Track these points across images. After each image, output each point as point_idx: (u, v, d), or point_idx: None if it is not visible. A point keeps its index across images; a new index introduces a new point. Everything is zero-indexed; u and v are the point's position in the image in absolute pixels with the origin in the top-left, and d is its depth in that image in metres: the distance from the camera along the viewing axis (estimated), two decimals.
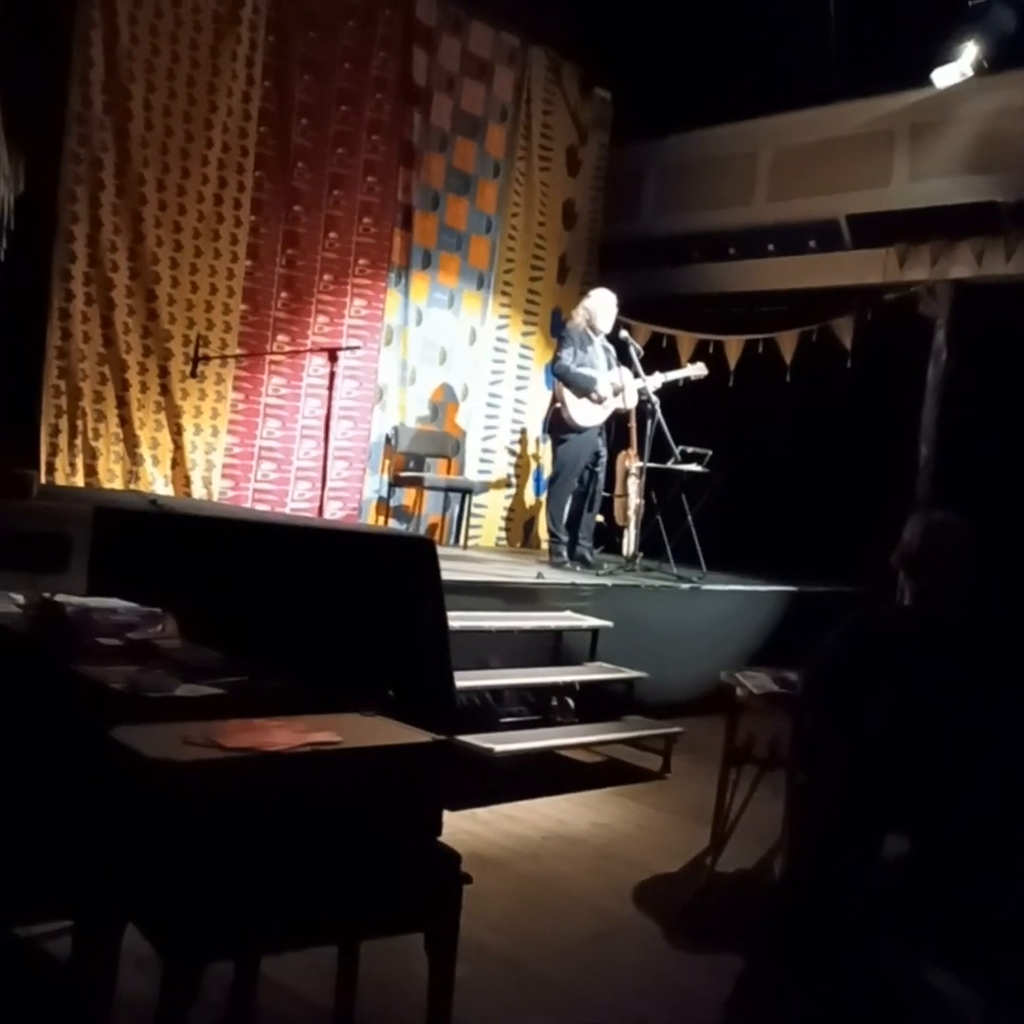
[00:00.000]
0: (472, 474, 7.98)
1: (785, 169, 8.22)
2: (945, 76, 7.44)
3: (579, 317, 6.78)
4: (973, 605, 3.05)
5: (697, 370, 7.29)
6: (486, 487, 8.05)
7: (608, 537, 7.52)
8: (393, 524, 7.44)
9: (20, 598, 2.91)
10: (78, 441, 6.03)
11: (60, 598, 2.79)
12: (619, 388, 6.64)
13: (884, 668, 2.96)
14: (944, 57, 7.42)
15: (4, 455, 4.56)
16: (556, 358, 6.77)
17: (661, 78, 8.13)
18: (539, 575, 5.99)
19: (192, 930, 1.89)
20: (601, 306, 6.75)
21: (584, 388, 6.57)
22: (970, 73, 7.38)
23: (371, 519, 7.40)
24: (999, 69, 7.27)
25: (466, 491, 7.56)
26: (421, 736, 2.18)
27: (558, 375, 6.75)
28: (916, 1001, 2.91)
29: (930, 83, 7.50)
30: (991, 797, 2.86)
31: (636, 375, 6.76)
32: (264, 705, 2.24)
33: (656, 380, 6.89)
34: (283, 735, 2.04)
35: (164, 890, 1.91)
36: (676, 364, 7.56)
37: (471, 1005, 2.49)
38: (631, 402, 6.73)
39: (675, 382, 7.10)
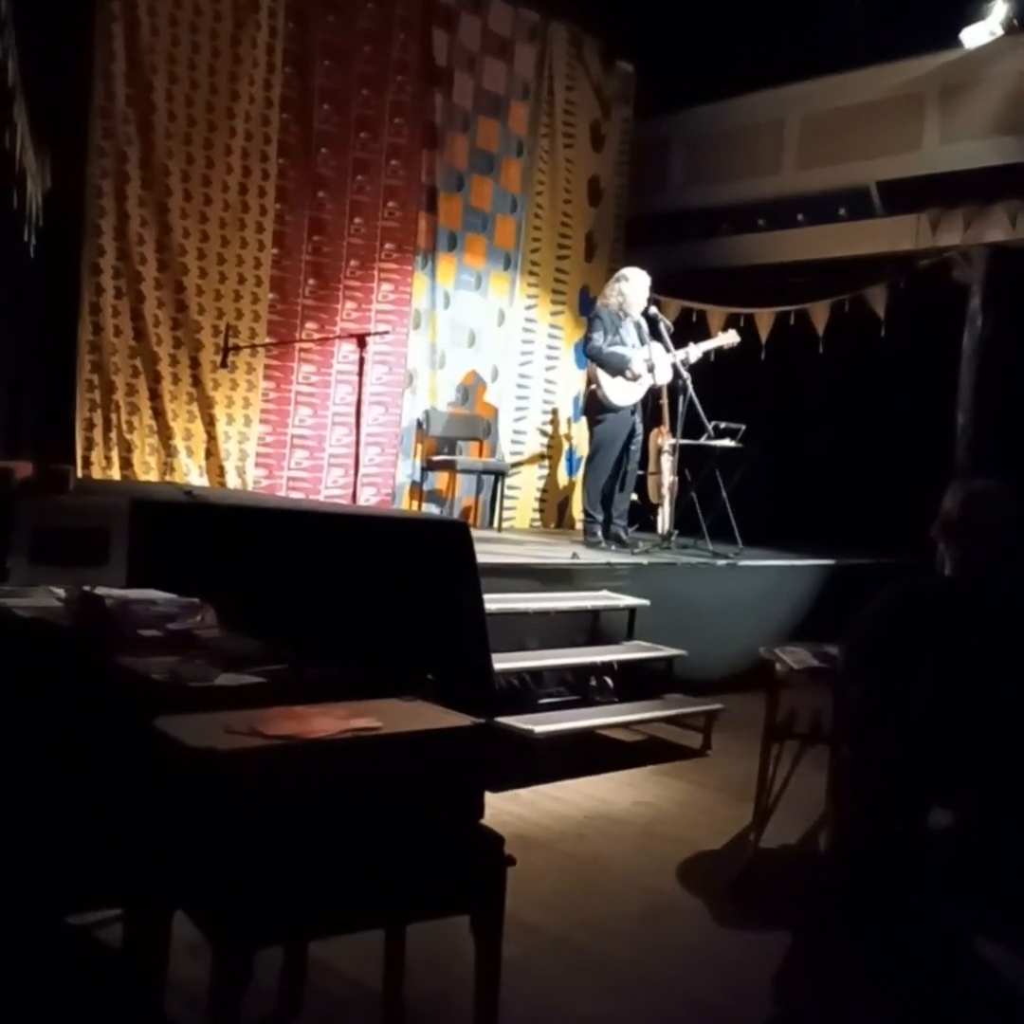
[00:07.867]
0: (504, 456, 7.97)
1: (813, 137, 8.10)
2: (974, 36, 7.29)
3: (612, 299, 6.70)
4: (1015, 573, 3.02)
5: (729, 338, 7.22)
6: (519, 461, 8.07)
7: (643, 515, 7.49)
8: (427, 508, 7.45)
9: (61, 592, 2.95)
10: (113, 434, 6.08)
11: (100, 591, 2.82)
12: (653, 364, 6.61)
13: (927, 639, 2.93)
14: (973, 16, 7.27)
15: (42, 452, 4.61)
16: (588, 339, 6.73)
17: (684, 48, 8.02)
18: (574, 555, 5.98)
19: (239, 917, 1.90)
20: (636, 289, 6.66)
21: (617, 367, 6.54)
22: (1000, 32, 7.21)
23: (405, 504, 7.41)
24: None
25: (499, 473, 7.55)
26: (461, 719, 2.18)
27: (591, 356, 6.72)
28: (966, 971, 2.89)
29: (959, 44, 7.35)
30: None
31: (667, 351, 6.71)
32: (304, 692, 2.25)
33: (694, 351, 6.85)
34: (324, 722, 2.05)
35: (211, 878, 1.93)
36: (707, 338, 7.49)
37: (522, 984, 2.50)
38: (663, 378, 6.69)
39: (708, 353, 7.04)
